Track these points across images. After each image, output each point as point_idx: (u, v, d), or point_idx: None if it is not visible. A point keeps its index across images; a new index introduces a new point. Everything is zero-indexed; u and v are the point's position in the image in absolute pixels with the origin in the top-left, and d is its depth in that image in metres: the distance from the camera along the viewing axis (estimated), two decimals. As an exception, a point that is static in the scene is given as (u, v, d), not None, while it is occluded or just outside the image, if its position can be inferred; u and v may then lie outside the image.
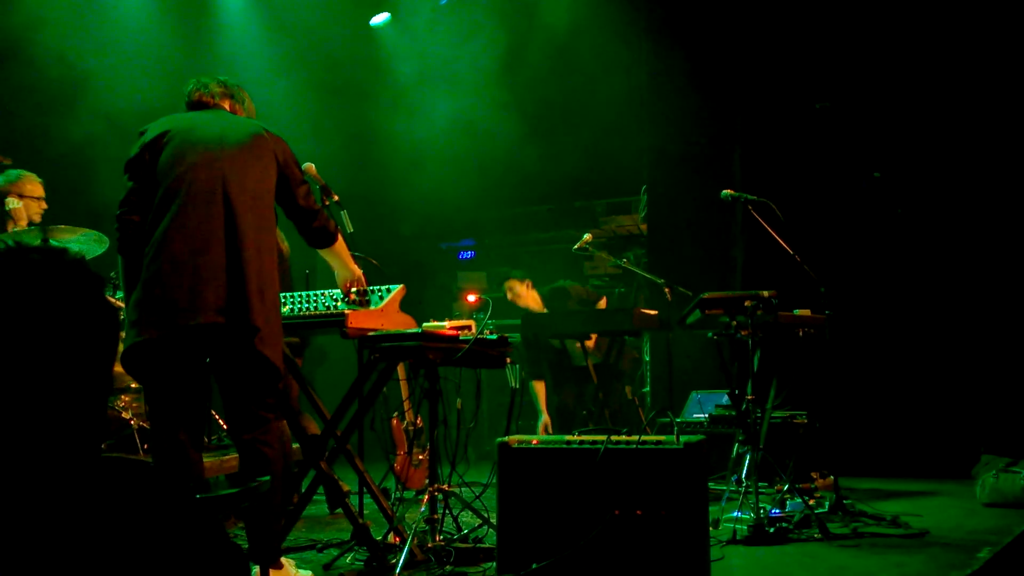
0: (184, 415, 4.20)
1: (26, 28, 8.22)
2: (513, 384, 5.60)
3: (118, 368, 6.52)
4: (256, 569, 4.23)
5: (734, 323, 6.00)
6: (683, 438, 4.23)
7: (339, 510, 5.26)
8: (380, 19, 11.43)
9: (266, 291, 4.16)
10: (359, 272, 4.78)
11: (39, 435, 1.44)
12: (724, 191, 6.55)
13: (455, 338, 4.83)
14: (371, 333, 4.78)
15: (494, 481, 4.50)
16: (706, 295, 6.15)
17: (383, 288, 4.91)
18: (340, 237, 4.65)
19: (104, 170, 7.63)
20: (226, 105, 4.47)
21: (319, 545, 5.41)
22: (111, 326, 1.54)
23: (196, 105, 4.41)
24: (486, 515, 5.12)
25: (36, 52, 8.32)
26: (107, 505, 1.41)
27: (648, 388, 9.32)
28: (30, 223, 6.32)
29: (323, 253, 4.66)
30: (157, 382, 4.21)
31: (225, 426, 6.72)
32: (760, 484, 5.75)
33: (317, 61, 10.51)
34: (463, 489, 5.42)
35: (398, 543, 4.87)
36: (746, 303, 5.86)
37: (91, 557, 1.36)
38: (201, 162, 4.16)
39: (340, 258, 4.69)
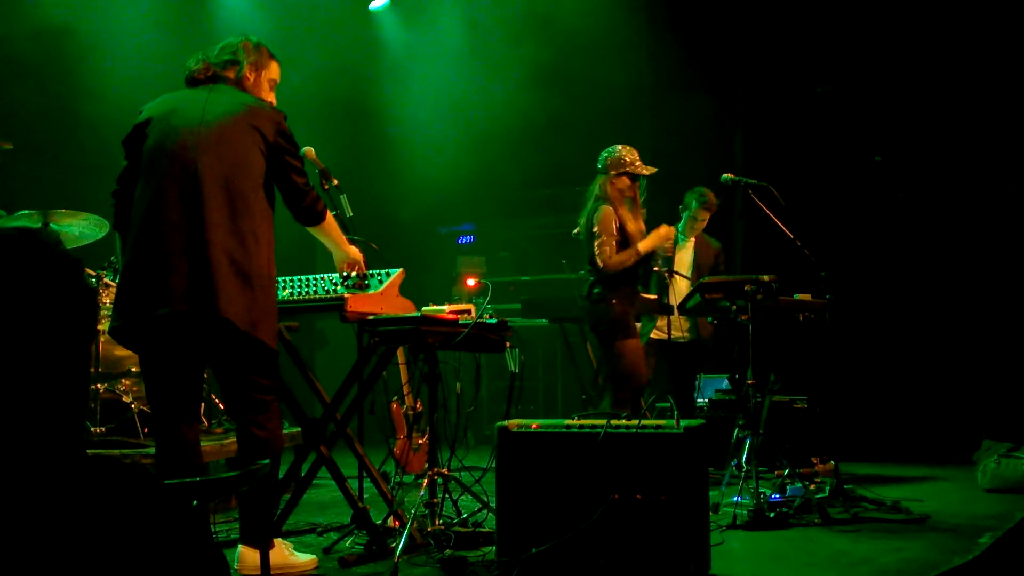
0: (175, 399, 4.19)
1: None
2: (512, 368, 5.59)
3: (120, 351, 6.57)
4: (240, 547, 4.23)
5: (734, 307, 6.00)
6: (683, 422, 4.22)
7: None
8: (379, 3, 11.38)
9: (249, 271, 4.05)
10: (356, 253, 4.71)
11: (11, 425, 1.41)
12: (724, 175, 6.53)
13: (455, 322, 4.81)
14: (370, 317, 4.76)
15: (493, 465, 4.50)
16: (706, 279, 6.14)
17: (382, 272, 4.88)
18: (329, 217, 4.55)
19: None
20: (230, 74, 4.36)
21: (319, 529, 5.41)
22: (87, 309, 1.50)
23: (190, 82, 4.33)
24: (485, 499, 5.12)
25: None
26: (84, 501, 1.38)
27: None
28: None
29: (314, 232, 4.55)
30: (144, 365, 4.24)
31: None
32: (760, 469, 5.75)
33: (316, 45, 10.47)
34: (462, 473, 5.41)
35: (398, 527, 4.87)
36: (746, 287, 5.85)
37: (62, 553, 1.33)
38: (177, 147, 4.10)
39: (332, 238, 4.60)
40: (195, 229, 4.00)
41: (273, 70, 4.53)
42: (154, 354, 4.17)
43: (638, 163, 6.50)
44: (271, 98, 4.50)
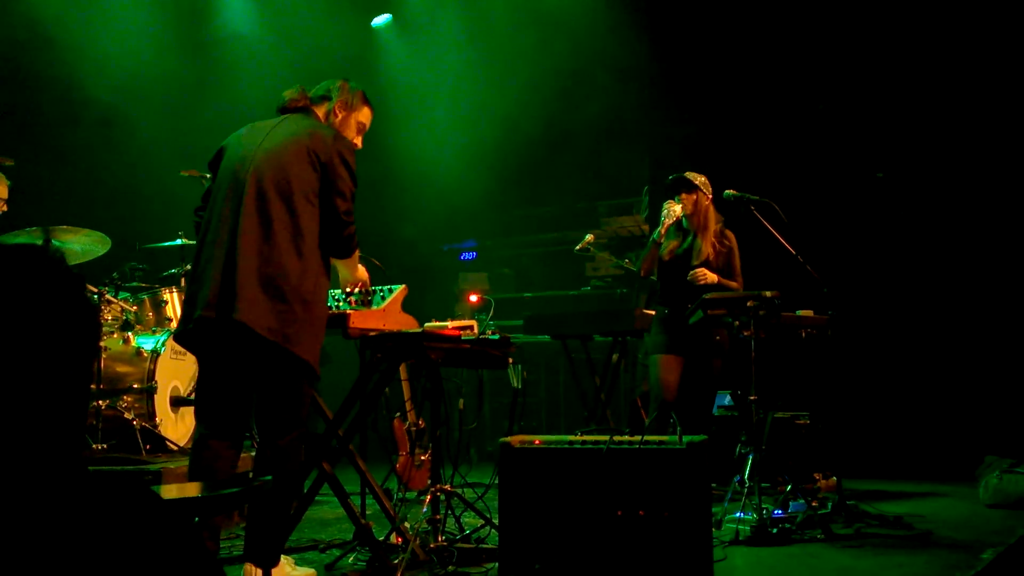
0: (212, 409, 4.26)
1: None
2: (515, 384, 5.59)
3: (121, 368, 6.58)
4: (246, 565, 4.21)
5: (737, 323, 5.99)
6: (686, 438, 4.22)
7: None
8: (381, 20, 11.42)
9: (284, 284, 4.08)
10: (363, 273, 4.74)
11: (11, 440, 1.41)
12: (726, 191, 6.54)
13: (457, 338, 4.82)
14: (373, 333, 4.76)
15: (496, 482, 4.49)
16: (709, 295, 6.14)
17: (385, 288, 4.89)
18: (356, 252, 4.58)
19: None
20: (320, 109, 4.49)
21: (321, 545, 5.40)
22: (89, 325, 1.51)
23: (280, 109, 4.48)
24: (488, 516, 5.11)
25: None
26: (82, 517, 1.38)
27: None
28: None
29: (335, 261, 4.58)
30: (199, 372, 4.41)
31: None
32: (763, 485, 5.74)
33: (317, 62, 10.49)
34: (465, 490, 5.41)
35: (400, 543, 4.86)
36: (749, 303, 5.84)
37: (60, 569, 1.33)
38: (236, 168, 4.25)
39: (350, 266, 4.64)
40: (231, 241, 4.13)
41: (364, 114, 4.62)
42: (201, 361, 4.36)
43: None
44: (357, 140, 4.58)
